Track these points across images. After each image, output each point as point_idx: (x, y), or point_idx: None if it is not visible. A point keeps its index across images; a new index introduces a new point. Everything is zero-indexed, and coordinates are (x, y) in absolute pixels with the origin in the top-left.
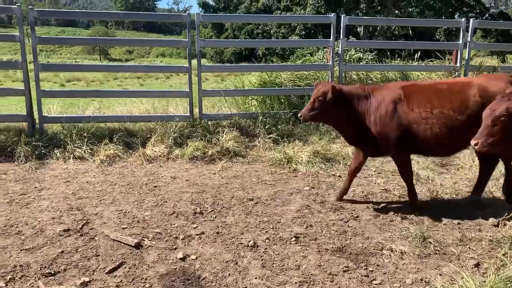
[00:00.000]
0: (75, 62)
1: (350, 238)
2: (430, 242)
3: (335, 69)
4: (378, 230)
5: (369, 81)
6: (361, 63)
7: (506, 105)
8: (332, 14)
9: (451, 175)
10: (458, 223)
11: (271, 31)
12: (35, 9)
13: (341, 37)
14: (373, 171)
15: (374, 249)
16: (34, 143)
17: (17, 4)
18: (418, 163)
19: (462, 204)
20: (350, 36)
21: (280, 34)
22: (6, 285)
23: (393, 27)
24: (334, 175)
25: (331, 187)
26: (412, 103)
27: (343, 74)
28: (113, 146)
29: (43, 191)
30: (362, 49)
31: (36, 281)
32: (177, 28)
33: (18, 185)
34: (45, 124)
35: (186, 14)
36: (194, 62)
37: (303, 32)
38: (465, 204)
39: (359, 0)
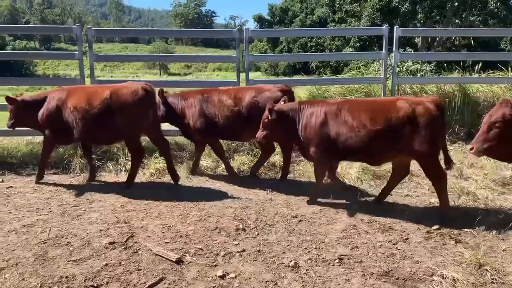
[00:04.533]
0: (136, 77)
1: (398, 262)
2: (486, 270)
3: (387, 82)
4: (429, 254)
5: (424, 94)
6: (418, 75)
7: (503, 111)
8: (384, 26)
9: None
10: None
11: (325, 44)
12: (92, 28)
13: (393, 49)
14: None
15: (423, 275)
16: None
17: (76, 24)
18: (477, 181)
19: None
20: (407, 47)
21: (334, 47)
22: None
23: (453, 37)
24: None
25: (381, 207)
26: (69, 102)
27: (396, 87)
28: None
29: (94, 203)
30: (420, 61)
31: None
32: (233, 43)
33: (71, 197)
34: None
35: (235, 30)
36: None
37: (358, 44)
38: None
39: (416, 10)
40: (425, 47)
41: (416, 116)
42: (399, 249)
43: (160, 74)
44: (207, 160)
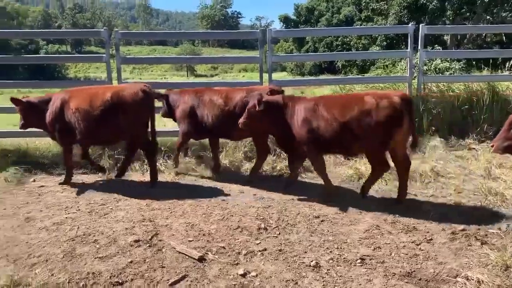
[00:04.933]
0: (164, 78)
1: (421, 263)
2: None
3: (413, 81)
4: (453, 255)
5: (451, 93)
6: (447, 73)
7: None
8: (410, 24)
9: None
10: None
11: (351, 43)
12: (119, 31)
13: (419, 48)
14: (452, 190)
15: (447, 276)
16: (116, 156)
17: (104, 28)
18: (506, 182)
19: None
20: (436, 45)
21: (361, 45)
22: None
23: (483, 34)
24: (409, 193)
25: (405, 207)
26: (71, 103)
27: (422, 86)
28: (187, 159)
29: (121, 202)
30: (449, 59)
31: None
32: (258, 43)
33: (99, 196)
34: None
35: (259, 31)
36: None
37: (385, 43)
38: None
39: (445, 7)
40: (454, 44)
41: (379, 109)
42: (422, 250)
43: (187, 76)
44: (230, 159)
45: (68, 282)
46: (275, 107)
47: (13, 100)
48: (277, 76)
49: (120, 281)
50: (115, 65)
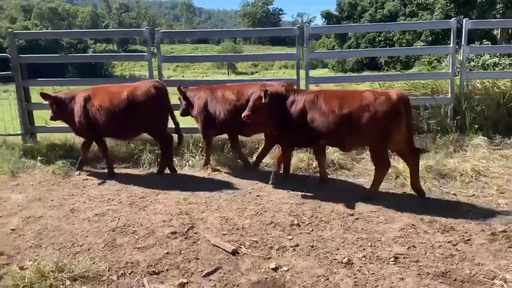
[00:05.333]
0: (205, 76)
1: (457, 263)
2: None
3: (456, 77)
4: (491, 257)
5: (496, 90)
6: (496, 69)
7: None
8: (452, 19)
9: None
10: None
11: (394, 38)
12: (160, 30)
13: (462, 43)
14: (494, 190)
15: (483, 278)
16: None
17: (146, 27)
18: None
19: None
20: (484, 40)
21: (404, 41)
22: (118, 278)
23: None
24: (448, 193)
25: (443, 207)
26: (95, 100)
27: (465, 83)
28: (223, 156)
29: (160, 195)
30: (498, 54)
31: (142, 278)
32: (300, 40)
33: (140, 189)
34: None
35: (296, 27)
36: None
37: (430, 38)
38: None
39: (494, 0)
40: (504, 39)
41: (375, 105)
42: (459, 250)
43: (228, 74)
44: (266, 157)
45: (108, 270)
46: (280, 99)
47: (42, 94)
48: (317, 72)
49: (157, 271)
50: (157, 63)
